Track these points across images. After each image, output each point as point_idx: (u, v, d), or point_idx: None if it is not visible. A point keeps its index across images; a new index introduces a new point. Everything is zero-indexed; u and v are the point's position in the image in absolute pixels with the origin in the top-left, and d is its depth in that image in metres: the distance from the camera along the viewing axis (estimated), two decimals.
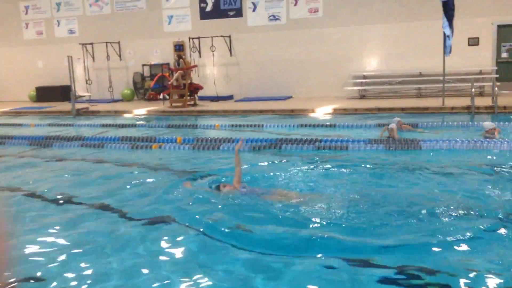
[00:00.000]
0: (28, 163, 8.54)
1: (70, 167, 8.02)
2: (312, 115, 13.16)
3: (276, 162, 7.53)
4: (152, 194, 5.97)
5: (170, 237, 4.62)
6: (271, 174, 6.62)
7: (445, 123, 10.60)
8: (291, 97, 16.90)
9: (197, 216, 5.00)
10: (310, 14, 16.75)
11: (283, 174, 6.56)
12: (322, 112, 13.24)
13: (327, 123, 11.34)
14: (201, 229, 4.72)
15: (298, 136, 9.44)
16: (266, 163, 7.43)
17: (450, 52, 12.31)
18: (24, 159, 8.84)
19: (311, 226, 4.65)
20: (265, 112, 13.76)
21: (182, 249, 4.40)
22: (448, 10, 11.78)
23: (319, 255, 4.09)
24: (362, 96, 16.02)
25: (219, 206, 5.27)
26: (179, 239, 4.59)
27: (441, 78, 13.25)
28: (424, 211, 4.80)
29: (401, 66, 15.77)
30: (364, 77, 16.22)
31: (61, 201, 5.94)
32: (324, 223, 4.70)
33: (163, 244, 4.50)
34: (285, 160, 7.62)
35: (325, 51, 16.58)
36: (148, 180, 6.75)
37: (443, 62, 12.71)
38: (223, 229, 4.67)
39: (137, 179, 6.86)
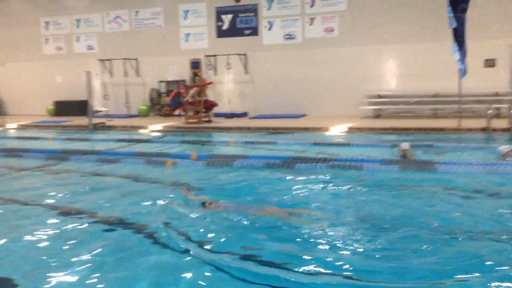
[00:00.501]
0: (45, 176, 8.65)
1: (85, 181, 8.10)
2: (326, 133, 13.14)
3: (288, 180, 7.49)
4: (158, 209, 6.02)
5: (159, 252, 4.63)
6: (282, 191, 6.58)
7: (462, 144, 10.50)
8: (305, 115, 16.94)
9: (183, 232, 4.98)
10: (325, 34, 16.86)
11: (293, 192, 6.52)
12: (337, 131, 13.23)
13: (342, 142, 11.31)
14: (188, 246, 4.69)
15: (312, 154, 9.42)
16: (278, 181, 7.41)
17: (464, 74, 12.27)
18: (41, 172, 8.96)
19: (306, 246, 4.50)
20: (279, 130, 13.80)
21: (169, 265, 4.36)
22: (458, 37, 11.77)
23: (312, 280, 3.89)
24: (377, 116, 15.98)
25: (206, 223, 5.26)
26: (168, 255, 4.57)
27: (457, 99, 13.18)
28: (438, 236, 4.71)
29: (417, 87, 15.71)
30: (379, 96, 16.21)
31: (74, 214, 5.98)
32: (323, 244, 4.53)
33: (154, 256, 4.52)
34: (297, 178, 7.56)
35: (340, 70, 16.63)
36: (159, 195, 6.76)
37: (459, 83, 12.65)
38: (209, 247, 4.64)
39: (149, 194, 6.89)
